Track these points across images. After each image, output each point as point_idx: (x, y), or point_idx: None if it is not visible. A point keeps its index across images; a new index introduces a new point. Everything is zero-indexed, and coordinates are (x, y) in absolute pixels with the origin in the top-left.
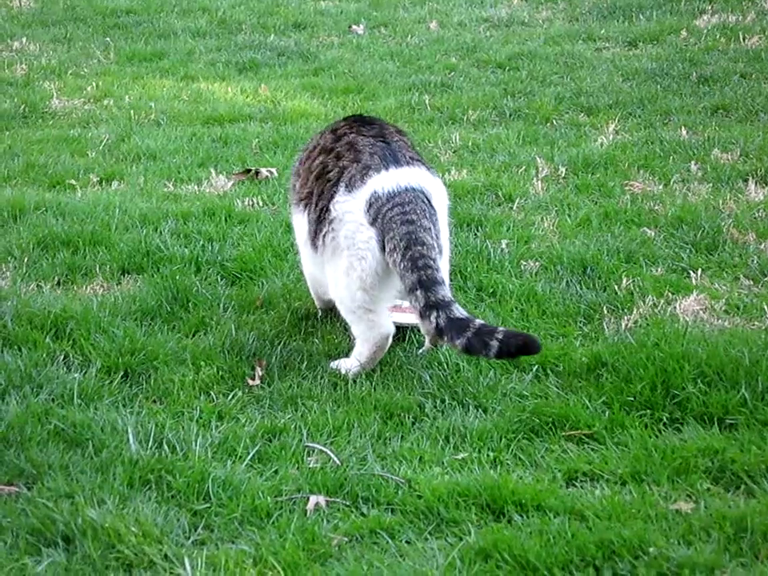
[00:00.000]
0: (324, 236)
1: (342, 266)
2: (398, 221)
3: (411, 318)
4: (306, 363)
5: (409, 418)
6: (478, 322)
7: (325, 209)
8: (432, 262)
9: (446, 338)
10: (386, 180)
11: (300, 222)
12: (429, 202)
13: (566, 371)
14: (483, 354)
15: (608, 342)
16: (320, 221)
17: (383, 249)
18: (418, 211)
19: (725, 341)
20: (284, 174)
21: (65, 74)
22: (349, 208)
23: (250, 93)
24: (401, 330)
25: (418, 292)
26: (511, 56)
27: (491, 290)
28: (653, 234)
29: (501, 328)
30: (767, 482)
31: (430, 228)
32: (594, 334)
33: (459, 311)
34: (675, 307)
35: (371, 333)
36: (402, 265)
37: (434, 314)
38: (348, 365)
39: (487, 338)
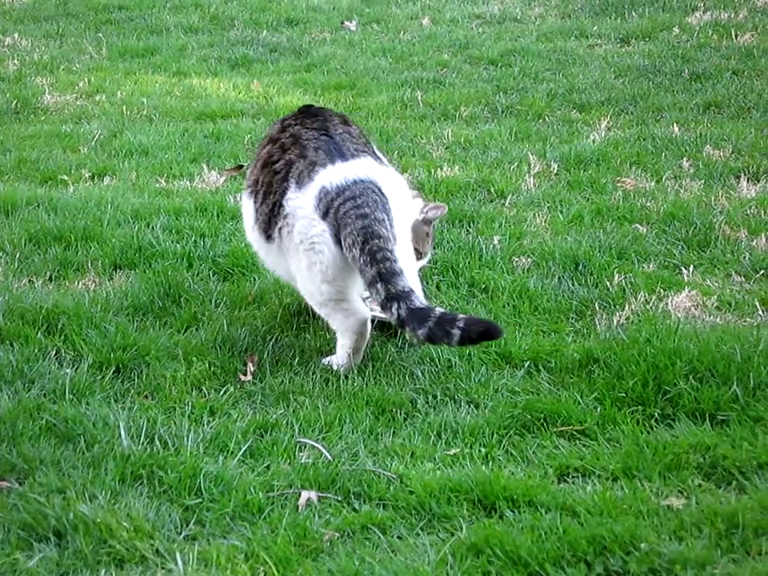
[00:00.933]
0: (280, 229)
1: (303, 262)
2: (352, 215)
3: None
4: (297, 359)
5: (401, 413)
6: (439, 310)
7: (278, 204)
8: (390, 254)
9: (407, 329)
10: (333, 174)
11: (247, 207)
12: (380, 191)
13: (558, 367)
14: (445, 342)
15: (600, 338)
16: (274, 214)
17: (338, 242)
18: (370, 203)
19: (716, 337)
20: None
21: (57, 69)
22: (300, 204)
23: (243, 89)
24: (391, 326)
25: (379, 285)
26: (503, 52)
27: (483, 286)
28: (645, 230)
29: (461, 315)
30: (758, 477)
31: (383, 219)
32: (586, 330)
33: (419, 301)
34: (667, 303)
35: (348, 321)
36: (362, 260)
37: (395, 305)
38: (337, 360)
39: (448, 326)
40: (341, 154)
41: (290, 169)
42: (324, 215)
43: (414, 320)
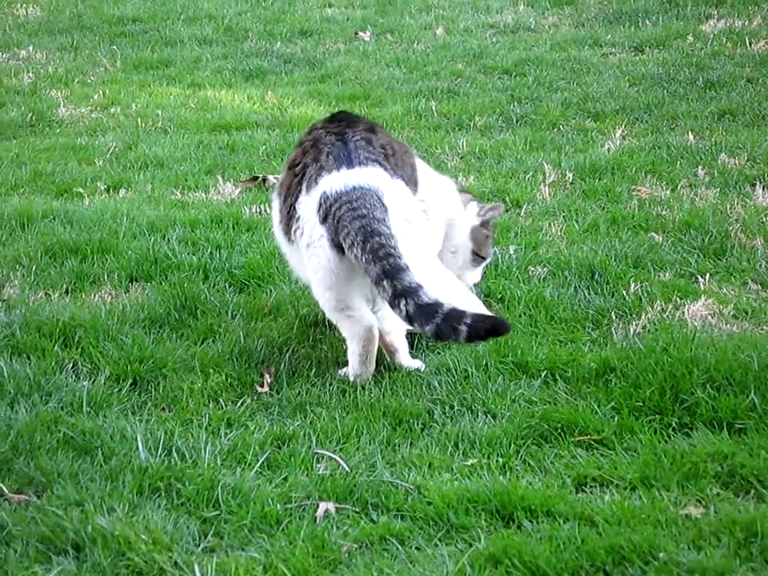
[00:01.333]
0: (295, 231)
1: (310, 266)
2: (348, 217)
3: None
4: (314, 370)
5: (418, 424)
6: (447, 306)
7: (293, 206)
8: (393, 250)
9: (416, 325)
10: (335, 181)
11: (274, 206)
12: (380, 199)
13: (575, 377)
14: (453, 338)
15: (616, 347)
16: (290, 216)
17: (335, 246)
18: (368, 205)
19: (733, 345)
20: None
21: (72, 82)
22: (307, 208)
23: (257, 100)
24: (408, 336)
25: (385, 282)
26: (518, 62)
27: (499, 296)
28: (660, 239)
29: (469, 311)
30: None
31: (384, 219)
32: (603, 339)
33: (427, 296)
34: (683, 312)
35: (354, 329)
36: (364, 258)
37: (403, 301)
38: (352, 369)
39: (456, 322)
40: (348, 161)
41: (304, 172)
42: (323, 220)
43: (422, 316)
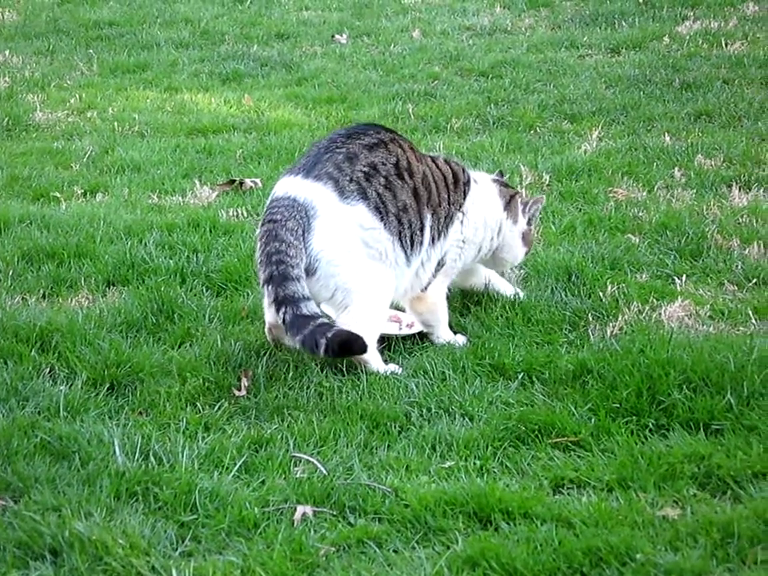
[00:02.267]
0: None
1: None
2: (264, 220)
3: (394, 328)
4: (291, 373)
5: (395, 427)
6: (321, 320)
7: None
8: (288, 258)
9: (289, 333)
10: (283, 185)
11: None
12: (307, 215)
13: (552, 378)
14: (315, 351)
15: (593, 348)
16: None
17: None
18: (285, 214)
19: (710, 346)
20: (268, 185)
21: (48, 86)
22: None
23: (234, 103)
24: (385, 340)
25: (269, 287)
26: (494, 64)
27: (476, 298)
28: (637, 240)
29: (335, 327)
30: (753, 487)
31: (294, 229)
32: (580, 341)
33: (308, 309)
34: (660, 313)
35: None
36: (260, 260)
37: (283, 309)
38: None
39: (319, 336)
40: (308, 171)
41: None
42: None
43: (295, 326)
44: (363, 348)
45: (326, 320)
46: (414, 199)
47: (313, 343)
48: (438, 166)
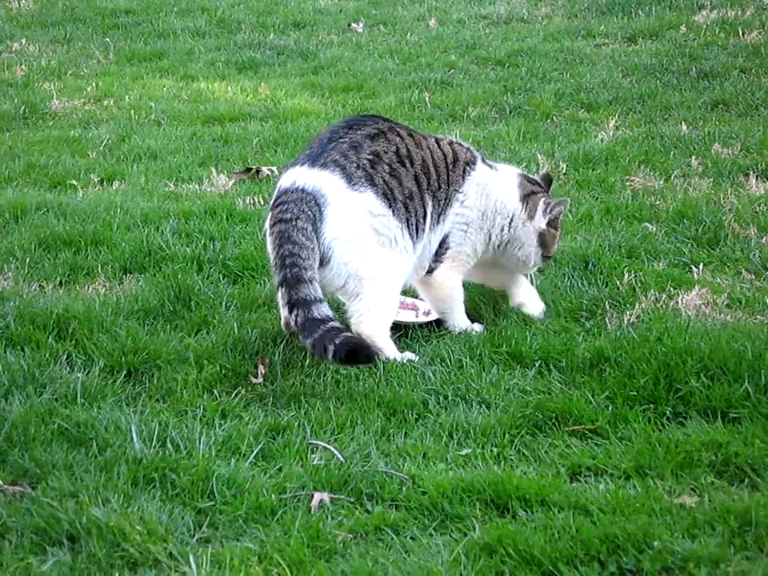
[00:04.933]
0: None
1: None
2: (275, 219)
3: (410, 316)
4: (308, 361)
5: (412, 414)
6: (332, 324)
7: None
8: (301, 261)
9: (300, 336)
10: (291, 176)
11: None
12: (317, 204)
13: (569, 366)
14: (324, 356)
15: (610, 337)
16: None
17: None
18: (295, 210)
19: (727, 335)
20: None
21: (64, 74)
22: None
23: (250, 92)
24: (402, 327)
25: (283, 289)
26: (511, 53)
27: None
28: (654, 228)
29: (344, 333)
30: None
31: (305, 228)
32: (597, 329)
33: (319, 311)
34: (677, 302)
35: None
36: (274, 262)
37: (295, 311)
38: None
39: (328, 341)
40: (314, 160)
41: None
42: (271, 209)
43: (306, 329)
44: (370, 357)
45: (336, 324)
46: (417, 187)
47: (322, 348)
48: (439, 146)
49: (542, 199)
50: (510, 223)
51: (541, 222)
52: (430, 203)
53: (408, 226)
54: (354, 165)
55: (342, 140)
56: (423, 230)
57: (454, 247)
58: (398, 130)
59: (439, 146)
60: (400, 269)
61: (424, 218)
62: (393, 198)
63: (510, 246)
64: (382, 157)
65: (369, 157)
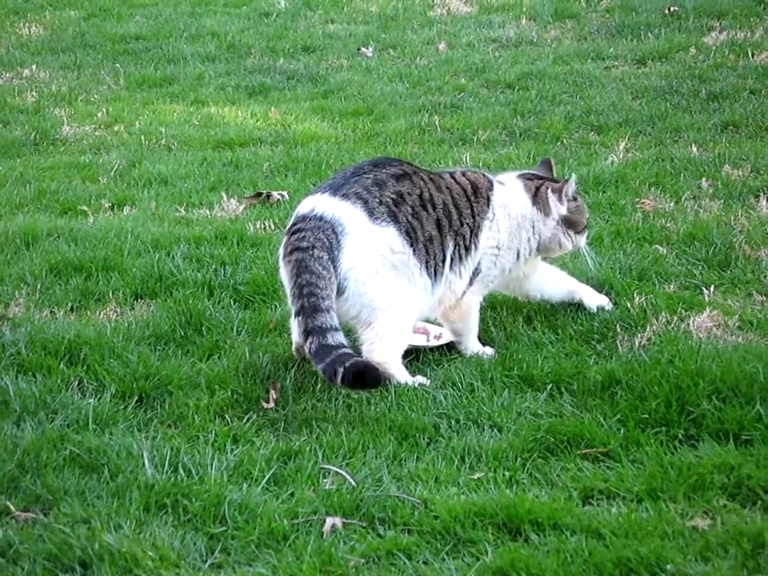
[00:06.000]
0: None
1: None
2: (292, 247)
3: (421, 340)
4: (319, 385)
5: (424, 438)
6: (343, 350)
7: None
8: (318, 290)
9: (313, 362)
10: (309, 202)
11: None
12: (335, 234)
13: (581, 389)
14: (333, 380)
15: (622, 359)
16: None
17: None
18: (312, 239)
19: (739, 357)
20: (295, 197)
21: (75, 100)
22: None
23: (260, 116)
24: (413, 351)
25: (300, 318)
26: (520, 76)
27: (503, 309)
28: (665, 251)
29: (354, 358)
30: None
31: (321, 257)
32: (608, 351)
33: (333, 339)
34: (689, 324)
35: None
36: (291, 291)
37: (310, 339)
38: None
39: (338, 365)
40: (335, 189)
41: None
42: (286, 234)
43: (319, 355)
44: (378, 380)
45: (348, 350)
46: (437, 231)
47: (332, 372)
48: (456, 181)
49: (548, 190)
50: (533, 231)
51: (559, 210)
52: (450, 245)
53: (427, 268)
54: (377, 200)
55: (366, 175)
56: (442, 273)
57: (485, 270)
58: (421, 174)
59: (456, 180)
60: (415, 303)
61: (443, 261)
62: (415, 237)
63: (541, 247)
64: (405, 198)
65: (392, 196)
